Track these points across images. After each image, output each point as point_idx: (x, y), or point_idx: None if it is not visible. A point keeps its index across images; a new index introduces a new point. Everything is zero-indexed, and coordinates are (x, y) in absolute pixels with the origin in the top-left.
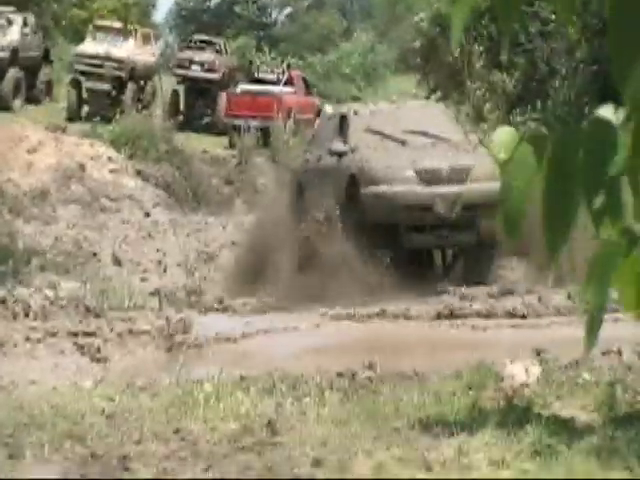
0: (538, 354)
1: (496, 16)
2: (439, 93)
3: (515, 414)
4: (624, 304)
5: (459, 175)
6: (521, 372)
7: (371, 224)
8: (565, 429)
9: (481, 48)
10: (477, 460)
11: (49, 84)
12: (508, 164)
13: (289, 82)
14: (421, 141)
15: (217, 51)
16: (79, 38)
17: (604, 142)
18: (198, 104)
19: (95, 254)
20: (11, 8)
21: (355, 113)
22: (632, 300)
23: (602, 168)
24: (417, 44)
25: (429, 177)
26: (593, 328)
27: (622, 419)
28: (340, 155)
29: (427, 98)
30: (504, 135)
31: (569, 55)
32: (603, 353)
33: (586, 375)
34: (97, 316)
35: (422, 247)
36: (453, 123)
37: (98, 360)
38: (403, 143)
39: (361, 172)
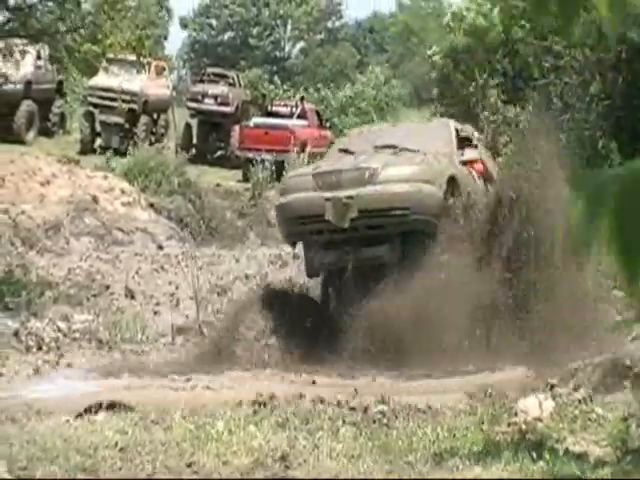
0: (551, 388)
1: (510, 51)
2: None
3: (528, 448)
4: None
5: (361, 176)
6: (534, 407)
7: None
8: (578, 464)
9: (495, 82)
10: None
11: (62, 117)
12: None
13: (302, 115)
14: (378, 152)
15: (230, 84)
16: (92, 71)
17: None
18: (211, 137)
19: (108, 287)
20: (25, 41)
21: (344, 135)
22: None
23: None
24: (431, 77)
25: (324, 181)
26: None
27: (636, 454)
28: None
29: None
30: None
31: (583, 90)
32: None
33: (599, 410)
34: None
35: (329, 267)
36: (447, 137)
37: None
38: (357, 154)
39: None
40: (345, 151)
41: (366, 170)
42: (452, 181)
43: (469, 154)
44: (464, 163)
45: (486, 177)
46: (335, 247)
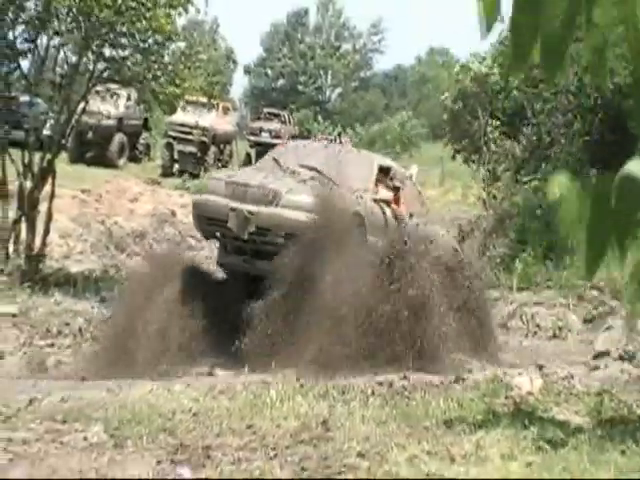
0: (540, 369)
1: (507, 96)
2: (461, 157)
3: (522, 417)
4: None
5: (265, 196)
6: (527, 383)
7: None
8: (562, 429)
9: (496, 122)
10: (491, 453)
11: (147, 146)
12: (562, 200)
13: None
14: (298, 171)
15: (282, 122)
16: (172, 110)
17: (631, 193)
18: None
19: None
20: (118, 85)
21: (284, 145)
22: None
23: (629, 215)
24: (444, 117)
25: (233, 190)
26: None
27: (608, 422)
28: None
29: (453, 158)
30: (561, 178)
31: (567, 128)
32: (592, 369)
33: (579, 386)
34: None
35: (229, 268)
36: (366, 173)
37: None
38: (281, 169)
39: None
40: (276, 161)
41: (270, 191)
42: (355, 217)
43: (383, 194)
44: (379, 200)
45: (396, 217)
46: (235, 252)
